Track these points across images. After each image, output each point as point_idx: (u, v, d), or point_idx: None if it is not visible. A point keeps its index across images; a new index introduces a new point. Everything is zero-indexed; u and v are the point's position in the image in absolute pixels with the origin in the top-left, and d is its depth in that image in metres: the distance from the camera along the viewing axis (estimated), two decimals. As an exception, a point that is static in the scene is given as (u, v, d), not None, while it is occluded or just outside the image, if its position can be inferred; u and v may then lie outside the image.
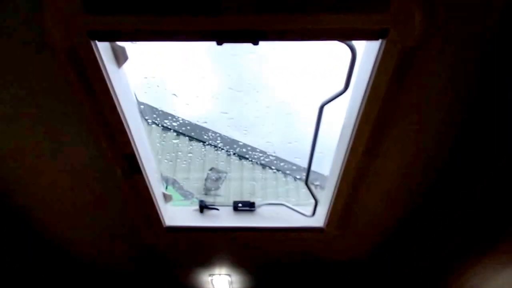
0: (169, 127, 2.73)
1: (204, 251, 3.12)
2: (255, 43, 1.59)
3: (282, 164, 3.00)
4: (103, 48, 1.65)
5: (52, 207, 2.56)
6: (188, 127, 2.69)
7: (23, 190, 2.39)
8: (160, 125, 2.71)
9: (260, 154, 2.80)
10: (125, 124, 1.94)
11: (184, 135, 2.86)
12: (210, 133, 2.70)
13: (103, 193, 2.44)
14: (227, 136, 2.73)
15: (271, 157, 2.89)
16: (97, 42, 1.57)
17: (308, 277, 3.52)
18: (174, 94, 2.20)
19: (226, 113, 2.32)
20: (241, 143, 2.77)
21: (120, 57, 1.82)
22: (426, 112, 1.91)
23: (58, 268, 3.24)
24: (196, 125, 2.66)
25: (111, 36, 1.54)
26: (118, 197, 2.46)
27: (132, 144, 2.06)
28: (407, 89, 1.78)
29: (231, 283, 3.58)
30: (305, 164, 2.73)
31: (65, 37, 1.49)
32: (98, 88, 1.73)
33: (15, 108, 1.83)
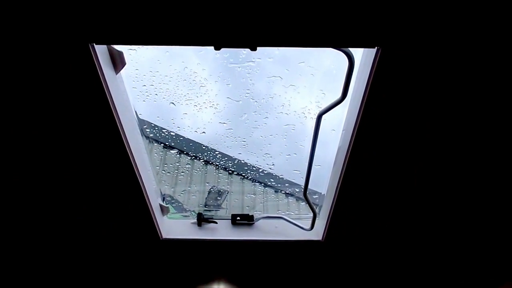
0: (170, 145, 2.73)
1: (202, 265, 3.07)
2: (253, 48, 1.59)
3: (279, 184, 2.98)
4: (100, 52, 1.66)
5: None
6: (185, 146, 2.68)
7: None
8: (161, 142, 2.71)
9: (261, 174, 2.78)
10: (121, 132, 1.93)
11: (184, 153, 2.85)
12: (209, 152, 2.69)
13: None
14: (226, 154, 2.71)
15: (271, 179, 2.88)
16: (95, 45, 1.57)
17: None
18: (172, 103, 2.20)
19: (224, 123, 2.31)
20: (237, 160, 2.75)
21: (117, 63, 1.82)
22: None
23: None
24: (196, 142, 2.65)
25: (109, 39, 1.54)
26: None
27: (129, 154, 2.05)
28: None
29: (228, 299, 3.50)
30: (302, 180, 2.71)
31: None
32: (94, 94, 1.73)
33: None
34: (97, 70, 1.64)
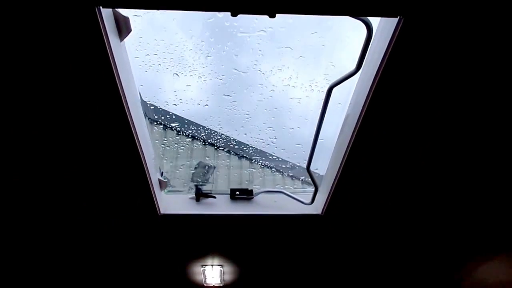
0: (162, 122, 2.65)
1: (198, 240, 3.03)
2: (272, 15, 1.51)
3: (277, 159, 2.94)
4: (106, 17, 1.54)
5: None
6: (178, 123, 2.59)
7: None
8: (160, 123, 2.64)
9: (261, 148, 2.73)
10: (124, 103, 1.83)
11: (179, 132, 2.77)
12: (204, 129, 2.62)
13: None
14: (223, 134, 2.64)
15: (269, 154, 2.84)
16: (101, 8, 1.45)
17: (301, 267, 3.47)
18: (176, 74, 2.09)
19: (229, 95, 2.23)
20: (237, 134, 2.68)
21: (122, 29, 1.70)
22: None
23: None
24: (192, 122, 2.57)
25: (118, 2, 1.43)
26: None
27: (131, 125, 1.96)
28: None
29: (222, 273, 3.50)
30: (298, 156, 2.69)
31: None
32: (99, 62, 1.62)
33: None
34: (103, 36, 1.53)
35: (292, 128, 2.45)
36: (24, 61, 1.61)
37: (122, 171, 2.25)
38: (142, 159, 2.16)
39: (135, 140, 2.02)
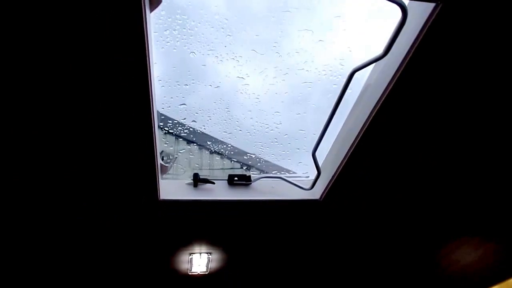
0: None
1: (194, 227, 2.95)
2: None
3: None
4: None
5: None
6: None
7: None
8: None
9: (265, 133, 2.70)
10: (149, 79, 1.73)
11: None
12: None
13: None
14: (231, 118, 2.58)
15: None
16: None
17: (296, 252, 3.50)
18: (193, 52, 2.01)
19: (242, 78, 2.17)
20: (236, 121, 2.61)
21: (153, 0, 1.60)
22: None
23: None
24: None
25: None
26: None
27: (151, 101, 1.85)
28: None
29: (210, 261, 3.44)
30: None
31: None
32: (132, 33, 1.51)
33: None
34: (141, 4, 1.43)
35: (299, 114, 2.45)
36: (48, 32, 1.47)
37: (133, 152, 2.13)
38: (154, 140, 2.06)
39: (151, 121, 1.92)
